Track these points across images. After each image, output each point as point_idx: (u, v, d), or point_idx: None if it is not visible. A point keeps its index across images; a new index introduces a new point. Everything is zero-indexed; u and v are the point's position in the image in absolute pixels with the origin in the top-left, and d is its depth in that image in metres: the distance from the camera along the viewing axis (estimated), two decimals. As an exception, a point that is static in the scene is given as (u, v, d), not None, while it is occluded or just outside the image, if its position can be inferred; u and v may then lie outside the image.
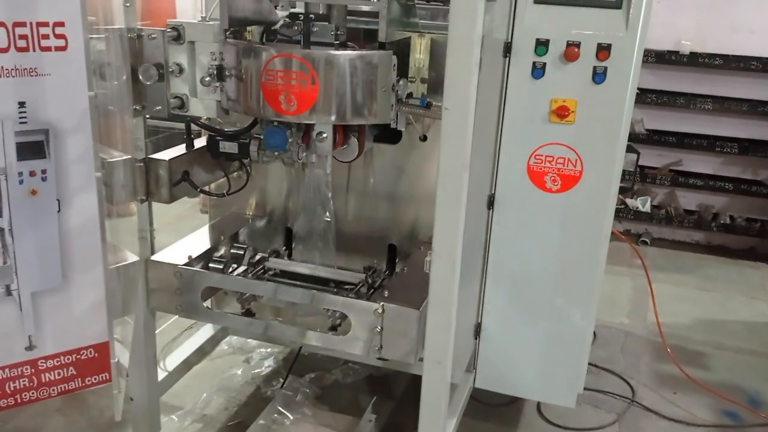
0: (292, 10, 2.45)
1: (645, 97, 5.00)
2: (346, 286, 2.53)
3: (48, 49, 1.96)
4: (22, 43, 1.92)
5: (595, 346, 3.33)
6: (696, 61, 4.91)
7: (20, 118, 1.96)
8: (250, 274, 2.57)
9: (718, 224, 5.20)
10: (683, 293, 4.43)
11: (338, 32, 2.08)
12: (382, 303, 2.11)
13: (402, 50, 2.22)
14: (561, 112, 2.19)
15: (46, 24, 1.94)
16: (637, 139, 5.09)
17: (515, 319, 2.49)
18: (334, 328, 2.30)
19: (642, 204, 5.33)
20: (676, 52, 4.95)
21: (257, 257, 2.68)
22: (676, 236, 5.39)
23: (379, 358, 2.21)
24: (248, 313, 2.48)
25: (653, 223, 5.32)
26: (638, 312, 4.10)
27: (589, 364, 2.59)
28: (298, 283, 2.54)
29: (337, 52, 2.02)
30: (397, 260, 2.70)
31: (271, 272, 2.65)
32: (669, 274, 4.69)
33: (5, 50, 1.89)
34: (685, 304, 4.28)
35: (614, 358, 3.58)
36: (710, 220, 5.24)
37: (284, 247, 2.82)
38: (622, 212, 5.27)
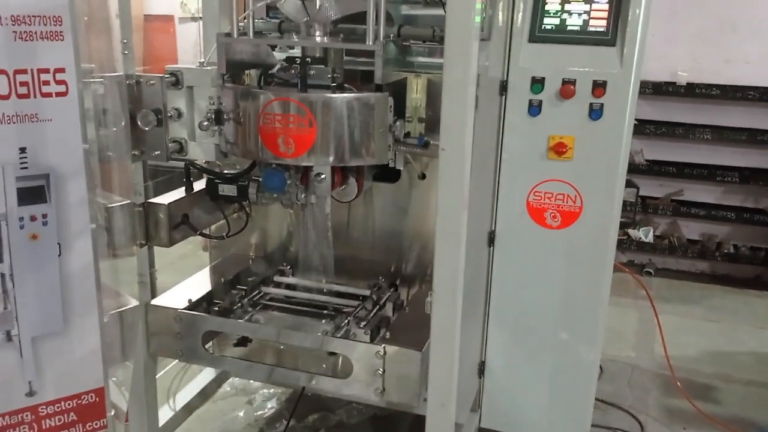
0: (291, 51, 2.48)
1: (644, 128, 5.01)
2: (350, 306, 2.51)
3: (49, 95, 1.97)
4: (23, 90, 1.93)
5: (602, 381, 3.28)
6: (693, 91, 4.94)
7: (21, 163, 1.96)
8: (246, 299, 2.55)
9: (722, 253, 5.17)
10: (689, 324, 4.39)
11: (335, 74, 2.10)
12: (383, 345, 2.09)
13: (399, 90, 2.23)
14: (559, 149, 2.20)
15: (47, 70, 1.96)
16: (637, 170, 5.10)
17: (519, 356, 2.47)
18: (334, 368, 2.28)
19: (644, 234, 5.31)
20: (673, 83, 4.98)
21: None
22: (681, 266, 5.36)
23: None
24: (244, 341, 2.47)
25: (657, 254, 5.30)
26: (645, 344, 4.05)
27: (596, 399, 2.56)
28: (301, 297, 2.54)
29: (333, 95, 2.03)
30: (399, 297, 2.68)
31: (268, 297, 2.63)
32: (674, 305, 4.65)
33: (6, 97, 1.90)
34: (692, 335, 4.23)
35: (622, 393, 3.53)
36: (714, 249, 5.21)
37: (287, 266, 2.80)
38: (625, 243, 5.25)
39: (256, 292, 2.63)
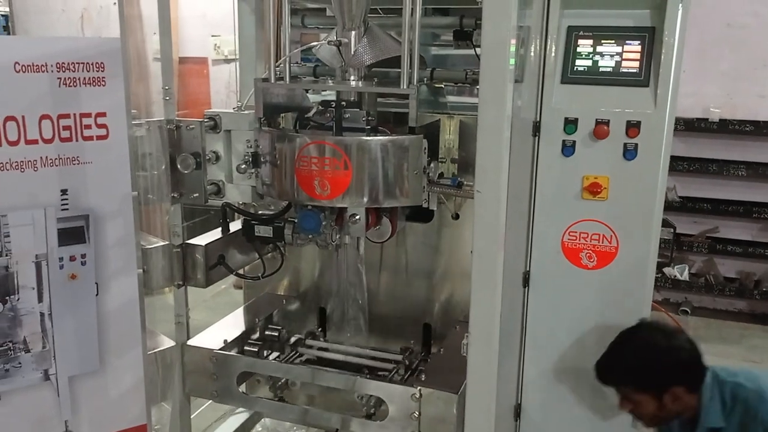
0: (324, 94, 2.52)
1: (676, 164, 4.96)
2: (383, 371, 2.49)
3: (90, 138, 2.03)
4: (65, 134, 1.99)
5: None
6: (726, 128, 4.90)
7: (62, 205, 2.02)
8: (283, 361, 2.56)
9: (761, 292, 5.05)
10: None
11: (369, 117, 2.12)
12: (419, 387, 2.07)
13: (432, 132, 2.25)
14: (593, 189, 2.19)
15: (88, 115, 2.02)
16: (670, 207, 5.03)
17: (556, 399, 2.42)
18: (369, 417, 2.26)
19: (680, 272, 5.22)
20: (706, 120, 4.95)
21: (293, 340, 2.67)
22: (718, 305, 5.24)
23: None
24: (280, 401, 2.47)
25: (693, 292, 5.20)
26: (683, 386, 3.95)
27: (635, 443, 2.49)
28: (333, 370, 2.51)
29: (368, 138, 2.06)
30: (432, 340, 2.66)
31: (304, 357, 2.63)
32: (713, 345, 4.53)
33: (50, 141, 1.96)
34: (732, 377, 4.11)
35: (661, 437, 3.43)
36: (752, 287, 5.10)
37: (319, 328, 2.81)
38: (660, 281, 5.16)
39: (292, 353, 2.64)
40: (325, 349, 2.67)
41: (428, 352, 2.65)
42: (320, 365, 2.55)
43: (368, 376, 2.43)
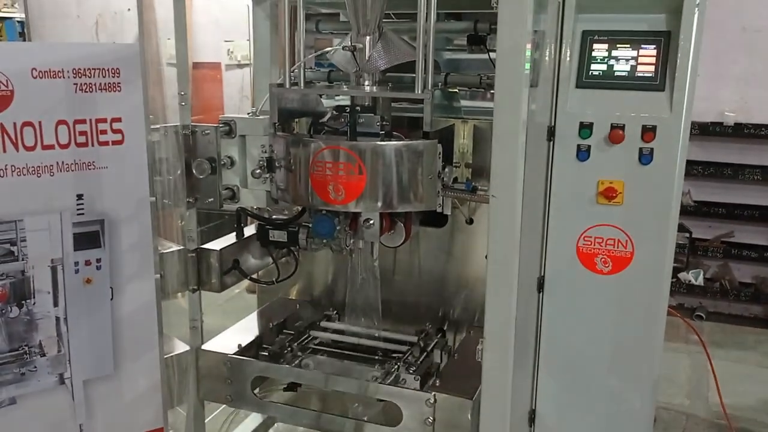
0: (338, 98, 2.53)
1: (691, 168, 4.93)
2: (398, 350, 2.50)
3: (105, 143, 2.05)
4: (81, 139, 2.01)
5: (655, 430, 3.18)
6: (741, 131, 4.86)
7: (78, 209, 2.03)
8: (296, 344, 2.56)
9: (779, 297, 5.01)
10: (745, 371, 4.23)
11: (384, 122, 2.13)
12: (433, 393, 2.07)
13: (446, 137, 2.25)
14: (608, 194, 2.18)
15: (104, 120, 2.04)
16: (685, 211, 5.00)
17: (571, 405, 2.40)
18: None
19: (695, 277, 5.18)
20: (720, 124, 4.92)
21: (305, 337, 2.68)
22: (733, 310, 5.20)
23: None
24: (293, 386, 2.48)
25: (707, 297, 5.15)
26: (698, 392, 3.92)
27: (651, 450, 2.48)
28: (349, 342, 2.55)
29: (383, 143, 2.07)
30: (446, 344, 2.65)
31: (317, 341, 2.64)
32: (728, 351, 4.50)
33: (66, 146, 1.98)
34: (748, 383, 4.07)
35: (676, 443, 3.41)
36: (768, 292, 5.05)
37: (334, 311, 2.80)
38: (675, 286, 5.12)
39: (305, 336, 2.64)
40: (341, 333, 2.66)
41: (443, 335, 2.65)
42: (335, 347, 2.57)
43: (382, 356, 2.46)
